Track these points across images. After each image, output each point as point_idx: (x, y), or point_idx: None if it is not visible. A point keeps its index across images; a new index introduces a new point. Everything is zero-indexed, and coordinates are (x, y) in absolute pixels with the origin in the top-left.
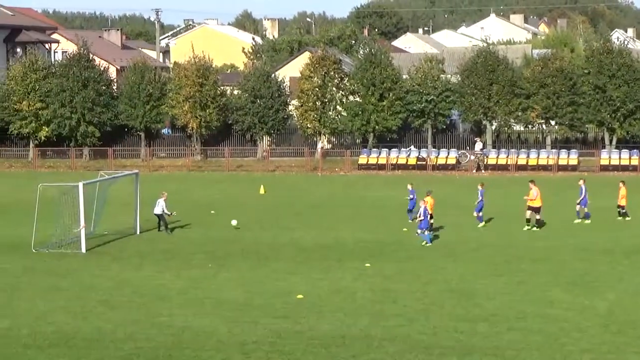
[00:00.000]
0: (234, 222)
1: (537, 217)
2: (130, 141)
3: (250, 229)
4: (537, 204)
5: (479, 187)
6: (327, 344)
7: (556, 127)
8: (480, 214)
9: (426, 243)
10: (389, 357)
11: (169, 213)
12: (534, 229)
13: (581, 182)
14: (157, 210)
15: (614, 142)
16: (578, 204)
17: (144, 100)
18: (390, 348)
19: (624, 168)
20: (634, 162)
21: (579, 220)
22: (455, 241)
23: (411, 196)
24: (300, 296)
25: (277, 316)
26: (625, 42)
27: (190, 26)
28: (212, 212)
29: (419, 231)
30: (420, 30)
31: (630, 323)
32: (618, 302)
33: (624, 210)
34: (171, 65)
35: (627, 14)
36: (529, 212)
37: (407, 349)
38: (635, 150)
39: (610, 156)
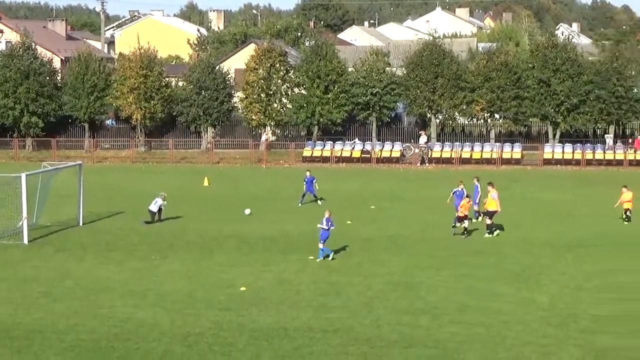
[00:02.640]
0: (247, 211)
1: (489, 221)
2: (74, 132)
3: (194, 221)
4: (492, 207)
5: (475, 182)
6: (270, 336)
7: (500, 120)
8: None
9: (324, 258)
10: (331, 349)
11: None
12: (495, 233)
13: (475, 180)
14: (153, 208)
15: (557, 136)
16: (477, 203)
17: (88, 91)
18: (333, 340)
19: (567, 162)
20: (577, 156)
21: (475, 221)
22: (398, 234)
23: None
24: (243, 288)
25: (220, 308)
26: (570, 37)
27: (136, 17)
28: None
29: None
30: (366, 23)
31: (571, 316)
32: (560, 295)
33: (630, 214)
34: (116, 56)
35: (572, 9)
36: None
37: (350, 341)
38: (578, 145)
39: (553, 150)
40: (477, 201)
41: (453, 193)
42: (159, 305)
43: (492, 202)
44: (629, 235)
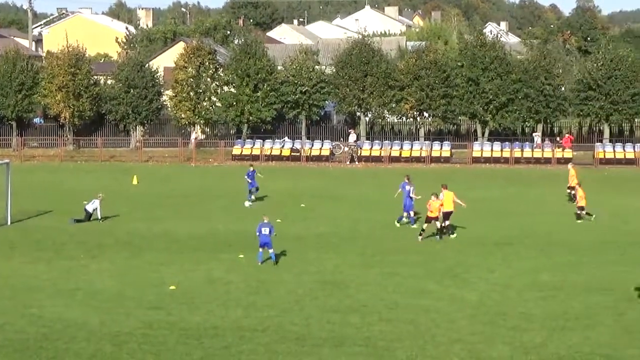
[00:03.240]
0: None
1: (447, 222)
2: (2, 131)
3: (124, 220)
4: (449, 208)
5: (405, 180)
6: (200, 335)
7: (429, 119)
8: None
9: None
10: (261, 347)
11: (99, 218)
12: (452, 236)
13: (405, 179)
14: (89, 208)
15: (486, 135)
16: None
17: (15, 89)
18: (262, 339)
19: (496, 160)
20: (506, 154)
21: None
22: (328, 233)
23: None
24: (173, 287)
25: (150, 307)
26: (498, 36)
27: (64, 15)
28: (85, 202)
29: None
30: (295, 22)
31: (500, 314)
32: (488, 293)
33: (584, 212)
34: (44, 54)
35: (500, 8)
36: (446, 222)
37: (280, 339)
38: (507, 143)
39: (482, 148)
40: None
41: (401, 187)
42: (88, 304)
43: (448, 203)
44: (557, 233)
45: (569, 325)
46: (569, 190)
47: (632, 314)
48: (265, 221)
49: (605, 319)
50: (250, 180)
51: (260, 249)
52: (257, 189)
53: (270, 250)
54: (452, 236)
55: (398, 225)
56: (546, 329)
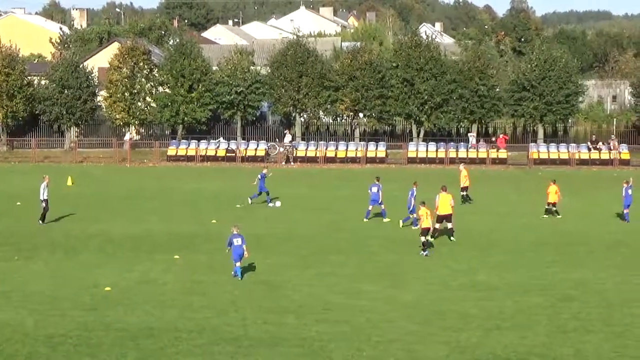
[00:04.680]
0: (278, 203)
1: (450, 225)
2: None
3: (58, 221)
4: (448, 211)
5: (376, 182)
6: (135, 336)
7: (365, 119)
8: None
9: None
10: (197, 349)
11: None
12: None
13: (375, 180)
14: (43, 195)
15: (421, 135)
16: (381, 203)
17: None
18: (198, 340)
19: (431, 161)
20: (441, 154)
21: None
22: (264, 233)
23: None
24: (108, 288)
25: (85, 309)
26: (433, 36)
27: None
28: (18, 203)
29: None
30: (230, 22)
31: (436, 313)
32: (425, 293)
33: (554, 208)
34: None
35: (435, 8)
36: (438, 225)
37: (216, 341)
38: (442, 143)
39: (417, 149)
40: (379, 201)
41: (370, 189)
42: (22, 306)
43: (446, 205)
44: (493, 233)
45: (505, 325)
46: (462, 193)
47: (568, 314)
48: (235, 232)
49: (541, 318)
50: (260, 183)
51: (237, 264)
52: (259, 194)
53: (237, 264)
54: (452, 239)
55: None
56: (482, 328)
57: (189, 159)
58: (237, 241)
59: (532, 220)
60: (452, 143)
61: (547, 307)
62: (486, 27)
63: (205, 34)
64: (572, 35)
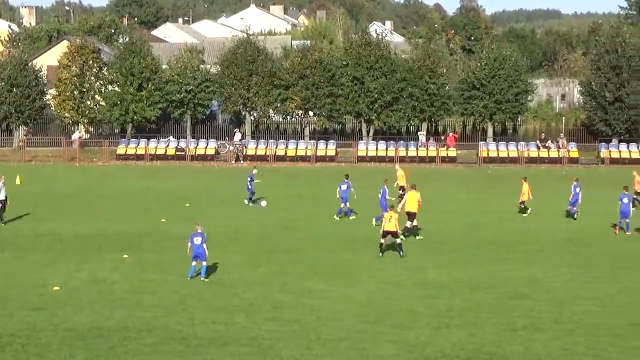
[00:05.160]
0: (263, 204)
1: (415, 223)
2: None
3: (6, 220)
4: (414, 209)
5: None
6: (84, 335)
7: (315, 118)
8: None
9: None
10: (146, 348)
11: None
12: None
13: (345, 178)
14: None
15: (371, 133)
16: (345, 203)
17: None
18: (147, 339)
19: (381, 159)
20: (391, 153)
21: (337, 218)
22: (214, 232)
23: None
24: (57, 288)
25: (33, 308)
26: (383, 35)
27: None
28: None
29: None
30: (180, 20)
31: (387, 312)
32: (377, 291)
33: (523, 206)
34: None
35: (385, 7)
36: (408, 223)
37: (165, 340)
38: (392, 142)
39: (367, 147)
40: (346, 199)
41: (338, 186)
42: None
43: (414, 204)
44: (443, 231)
45: (454, 323)
46: (400, 192)
47: (517, 312)
48: (199, 230)
49: (490, 316)
50: (248, 183)
51: (193, 263)
52: (253, 194)
53: (203, 263)
54: (418, 237)
55: (375, 223)
56: (431, 326)
57: (139, 157)
58: (197, 240)
59: (482, 218)
60: (402, 141)
61: (496, 305)
62: (436, 25)
63: (155, 32)
64: (521, 34)
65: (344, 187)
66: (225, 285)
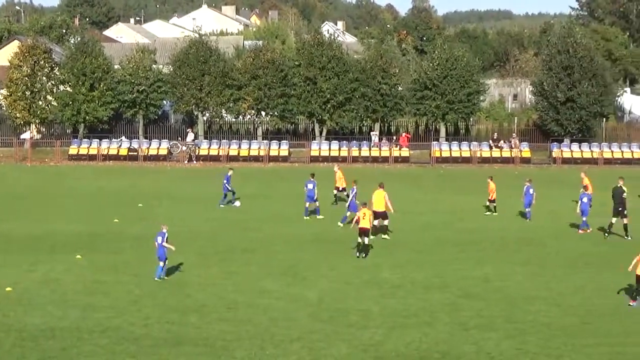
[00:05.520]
0: (237, 204)
1: (385, 222)
2: None
3: None
4: (381, 208)
5: (310, 179)
6: (36, 337)
7: (267, 118)
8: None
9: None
10: (99, 349)
11: None
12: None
13: (311, 177)
14: None
15: (324, 134)
16: (316, 200)
17: None
18: (100, 340)
19: (334, 159)
20: (344, 153)
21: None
22: (168, 232)
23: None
24: (9, 289)
25: None
26: (336, 35)
27: None
28: None
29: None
30: (132, 20)
31: (340, 311)
32: (329, 290)
33: (494, 205)
34: None
35: (338, 7)
36: (376, 222)
37: (118, 340)
38: (344, 142)
39: (320, 147)
40: (315, 198)
41: (305, 186)
42: None
43: (379, 202)
44: (397, 231)
45: (408, 323)
46: (335, 192)
47: (469, 311)
48: (164, 230)
49: (443, 316)
50: (226, 183)
51: (160, 263)
52: (233, 193)
53: (160, 263)
54: (384, 236)
55: (341, 225)
56: (385, 326)
57: (91, 158)
58: (158, 239)
59: (434, 218)
60: (354, 142)
61: (449, 304)
62: (388, 26)
63: (107, 32)
64: (473, 35)
65: (310, 186)
66: (178, 285)
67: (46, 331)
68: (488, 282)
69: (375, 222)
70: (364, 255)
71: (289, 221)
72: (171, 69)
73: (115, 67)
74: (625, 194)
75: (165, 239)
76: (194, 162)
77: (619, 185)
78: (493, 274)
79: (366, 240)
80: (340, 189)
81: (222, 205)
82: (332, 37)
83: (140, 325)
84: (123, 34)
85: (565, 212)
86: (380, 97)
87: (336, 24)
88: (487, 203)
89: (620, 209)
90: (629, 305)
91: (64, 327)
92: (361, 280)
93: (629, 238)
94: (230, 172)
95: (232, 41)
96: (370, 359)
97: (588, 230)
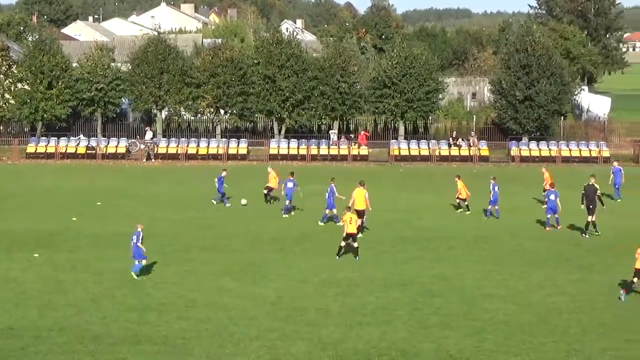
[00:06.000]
0: (243, 201)
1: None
2: None
3: None
4: (362, 206)
5: (290, 177)
6: None
7: (226, 116)
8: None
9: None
10: (58, 348)
11: None
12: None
13: (290, 176)
14: None
15: (282, 132)
16: (290, 200)
17: None
18: (59, 339)
19: (293, 157)
20: (302, 151)
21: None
22: (125, 231)
23: None
24: None
25: None
26: (295, 33)
27: None
28: None
29: None
30: (90, 18)
31: (298, 310)
32: (287, 289)
33: (465, 203)
34: None
35: (296, 5)
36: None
37: (77, 339)
38: (303, 140)
39: (279, 145)
40: (290, 197)
41: (284, 184)
42: None
43: (361, 201)
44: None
45: (367, 321)
46: (265, 191)
47: (428, 309)
48: (139, 230)
49: (402, 314)
50: (218, 185)
51: (136, 262)
52: (223, 195)
53: (136, 262)
54: (360, 235)
55: (322, 224)
56: (344, 324)
57: (49, 156)
58: (134, 239)
59: (393, 216)
60: (313, 140)
61: (408, 302)
62: (347, 24)
63: (65, 30)
64: (432, 33)
65: (290, 184)
66: (137, 284)
67: (4, 330)
68: (446, 280)
69: (359, 222)
70: (355, 256)
71: (248, 220)
72: (130, 67)
73: (74, 65)
74: (598, 192)
75: (140, 238)
76: (153, 160)
77: (591, 183)
78: (451, 272)
79: (355, 244)
80: (270, 189)
81: (228, 205)
82: (291, 36)
83: (99, 323)
84: (81, 32)
85: (523, 210)
86: (339, 96)
87: (295, 23)
88: (457, 201)
89: (591, 206)
90: (619, 298)
91: (23, 326)
92: (319, 279)
93: (598, 233)
94: (223, 173)
95: (191, 39)
96: (329, 358)
97: (558, 228)
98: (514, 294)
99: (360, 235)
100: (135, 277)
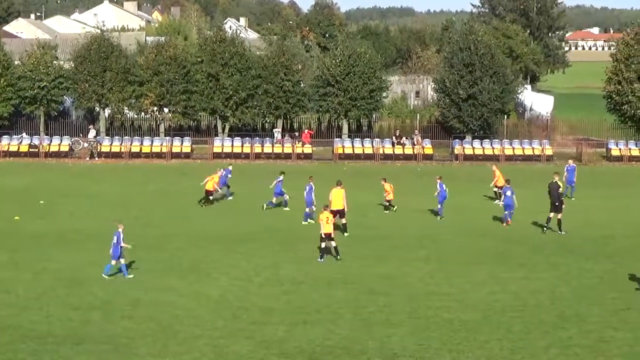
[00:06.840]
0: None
1: (344, 220)
2: None
3: None
4: (340, 206)
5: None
6: None
7: (170, 114)
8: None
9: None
10: (0, 347)
11: None
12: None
13: (280, 175)
14: None
15: (226, 130)
16: (277, 195)
17: None
18: (2, 338)
19: (237, 156)
20: (246, 149)
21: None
22: (68, 230)
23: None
24: None
25: None
26: (238, 32)
27: None
28: None
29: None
30: (32, 16)
31: (242, 309)
32: (231, 288)
33: (389, 204)
34: None
35: (240, 3)
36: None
37: (20, 338)
38: (247, 138)
39: (223, 144)
40: (279, 191)
41: (278, 182)
42: None
43: (338, 200)
44: (299, 228)
45: (311, 319)
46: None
47: (372, 307)
48: (119, 230)
49: (346, 312)
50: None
51: (112, 262)
52: (227, 187)
53: (122, 261)
54: (345, 234)
55: (305, 223)
56: (287, 323)
57: None
58: (115, 238)
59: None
60: (257, 138)
61: (352, 300)
62: (291, 22)
63: (7, 28)
64: (375, 31)
65: (276, 182)
66: (80, 283)
67: None
68: (390, 279)
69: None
70: (338, 256)
71: (192, 218)
72: (72, 65)
73: (16, 63)
74: (561, 189)
75: (120, 239)
76: (96, 158)
77: (554, 181)
78: (395, 270)
79: (333, 243)
80: (207, 192)
81: (230, 198)
82: (235, 34)
83: (42, 323)
84: (23, 29)
85: (467, 209)
86: (283, 94)
87: (239, 21)
88: (385, 203)
89: (557, 204)
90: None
91: None
92: (263, 278)
93: (563, 233)
94: (230, 167)
95: (134, 37)
96: (273, 356)
97: (508, 222)
98: (457, 292)
99: (346, 234)
100: (105, 277)
